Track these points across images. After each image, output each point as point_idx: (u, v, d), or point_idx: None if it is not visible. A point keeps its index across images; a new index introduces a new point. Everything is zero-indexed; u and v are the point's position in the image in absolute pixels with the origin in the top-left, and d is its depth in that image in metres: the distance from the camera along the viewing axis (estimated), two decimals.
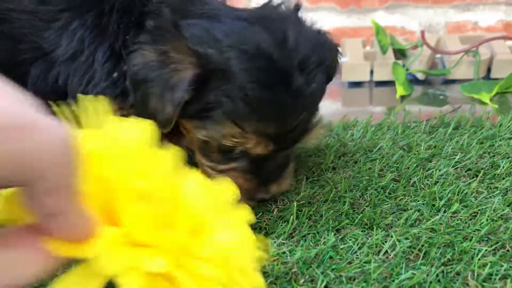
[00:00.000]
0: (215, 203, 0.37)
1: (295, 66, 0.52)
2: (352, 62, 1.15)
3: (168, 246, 0.33)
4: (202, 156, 0.58)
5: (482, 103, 1.00)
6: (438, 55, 1.20)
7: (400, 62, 1.12)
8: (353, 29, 1.34)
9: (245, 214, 0.39)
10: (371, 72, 1.16)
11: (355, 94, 1.15)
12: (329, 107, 1.10)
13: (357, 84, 1.17)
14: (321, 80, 0.55)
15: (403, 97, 1.07)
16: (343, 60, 1.21)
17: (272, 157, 0.56)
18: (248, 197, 0.57)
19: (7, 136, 0.24)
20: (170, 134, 0.55)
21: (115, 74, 0.57)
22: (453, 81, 1.13)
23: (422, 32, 1.08)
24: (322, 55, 0.56)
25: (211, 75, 0.51)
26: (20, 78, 0.57)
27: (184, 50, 0.50)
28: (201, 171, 0.55)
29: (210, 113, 0.52)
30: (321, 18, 1.34)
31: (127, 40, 0.56)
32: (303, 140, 0.57)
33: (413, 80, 1.14)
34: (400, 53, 1.18)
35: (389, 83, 1.13)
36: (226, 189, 0.38)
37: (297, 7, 0.61)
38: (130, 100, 0.56)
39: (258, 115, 0.51)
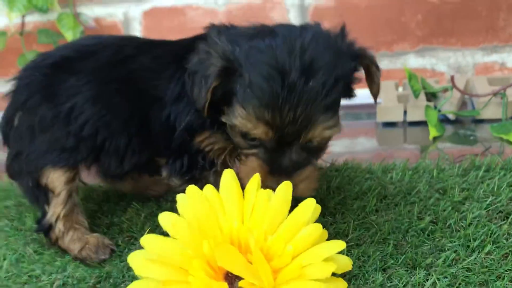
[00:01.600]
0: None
1: (296, 65, 0.61)
2: (386, 104, 1.24)
3: None
4: (236, 143, 0.69)
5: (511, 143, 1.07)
6: (467, 96, 1.28)
7: (431, 104, 1.20)
8: (385, 71, 1.42)
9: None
10: (405, 112, 1.24)
11: (390, 134, 1.23)
12: (365, 145, 1.20)
13: (391, 124, 1.25)
14: (324, 82, 0.61)
15: (435, 137, 1.15)
16: (378, 101, 1.29)
17: (284, 153, 0.65)
18: (261, 182, 0.63)
19: None
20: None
21: None
22: (482, 121, 1.21)
23: (452, 77, 1.16)
24: (332, 61, 0.63)
25: (232, 69, 0.63)
26: (142, 121, 0.75)
27: (218, 51, 0.65)
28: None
29: (231, 100, 0.64)
30: None
31: None
32: (303, 137, 0.63)
33: (444, 120, 1.22)
34: (431, 95, 1.26)
35: (422, 123, 1.21)
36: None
37: (342, 29, 0.69)
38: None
39: (258, 101, 0.61)
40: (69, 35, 1.29)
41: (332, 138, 0.69)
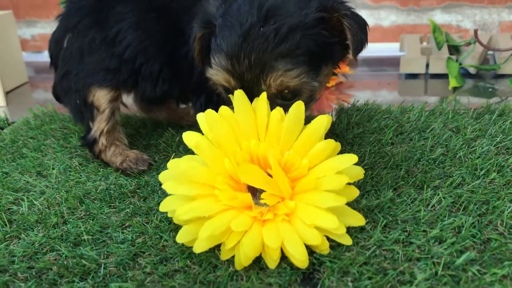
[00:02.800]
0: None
1: (253, 15, 0.63)
2: (410, 56, 1.29)
3: None
4: (221, 96, 0.74)
5: None
6: (490, 52, 1.31)
7: (453, 57, 1.24)
8: (412, 26, 1.46)
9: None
10: (427, 65, 1.29)
11: (412, 85, 1.28)
12: (386, 96, 1.24)
13: (413, 76, 1.30)
14: (276, 29, 0.63)
15: (455, 89, 1.19)
16: (401, 54, 1.34)
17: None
18: None
19: None
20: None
21: None
22: (503, 76, 1.25)
23: (475, 31, 1.20)
24: (288, 10, 0.64)
25: (212, 23, 0.68)
26: (171, 51, 0.81)
27: (206, 8, 0.71)
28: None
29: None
30: (383, 16, 1.48)
31: None
32: (263, 83, 0.65)
33: (465, 74, 1.26)
34: (454, 49, 1.30)
35: (443, 76, 1.26)
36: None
37: None
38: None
39: (222, 50, 0.65)
40: None
41: (309, 92, 0.69)
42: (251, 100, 0.65)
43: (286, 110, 0.64)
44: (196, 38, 0.71)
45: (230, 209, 0.60)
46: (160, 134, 0.97)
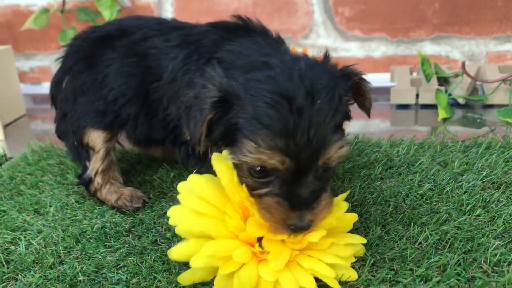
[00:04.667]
0: None
1: (300, 89, 0.59)
2: (400, 87, 1.32)
3: None
4: (244, 185, 0.64)
5: None
6: (479, 82, 1.35)
7: (442, 88, 1.27)
8: (402, 56, 1.50)
9: None
10: (417, 95, 1.32)
11: (402, 115, 1.31)
12: (379, 126, 1.27)
13: (404, 106, 1.33)
14: (330, 101, 0.60)
15: (445, 119, 1.22)
16: (392, 85, 1.37)
17: (300, 183, 0.60)
18: (283, 224, 0.60)
19: None
20: None
21: None
22: (491, 106, 1.27)
23: (463, 63, 1.23)
24: (331, 82, 0.62)
25: (230, 102, 0.61)
26: (147, 95, 0.81)
27: (215, 84, 0.62)
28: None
29: (234, 137, 0.61)
30: (373, 47, 1.51)
31: (195, 75, 0.74)
32: (321, 158, 0.60)
33: (455, 104, 1.29)
34: (443, 80, 1.33)
35: (433, 106, 1.28)
36: None
37: (326, 54, 0.69)
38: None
39: (268, 130, 0.58)
40: (107, 14, 1.40)
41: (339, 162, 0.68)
42: (303, 178, 0.61)
43: (321, 182, 0.62)
44: (205, 120, 0.62)
45: (235, 239, 0.62)
46: (155, 170, 0.99)
